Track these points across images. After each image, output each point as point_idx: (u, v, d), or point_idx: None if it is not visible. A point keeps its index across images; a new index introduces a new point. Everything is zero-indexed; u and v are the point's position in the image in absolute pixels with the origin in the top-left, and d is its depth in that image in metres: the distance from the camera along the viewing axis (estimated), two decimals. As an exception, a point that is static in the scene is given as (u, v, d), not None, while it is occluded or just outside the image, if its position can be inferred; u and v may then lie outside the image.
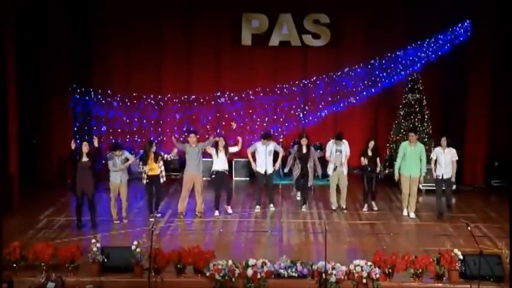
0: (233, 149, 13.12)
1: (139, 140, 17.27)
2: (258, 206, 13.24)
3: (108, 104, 17.23)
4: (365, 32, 17.03)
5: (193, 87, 17.38)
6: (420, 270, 9.07)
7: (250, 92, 17.33)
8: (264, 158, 13.10)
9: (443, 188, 12.78)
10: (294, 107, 17.48)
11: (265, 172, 13.17)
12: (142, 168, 12.38)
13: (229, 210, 12.94)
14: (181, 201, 12.61)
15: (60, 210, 13.16)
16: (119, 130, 17.33)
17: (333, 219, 12.60)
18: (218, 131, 16.10)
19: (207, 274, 9.10)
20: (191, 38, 17.23)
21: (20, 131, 13.56)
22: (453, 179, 12.77)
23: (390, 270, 9.06)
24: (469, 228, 9.39)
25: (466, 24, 16.26)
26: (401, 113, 15.93)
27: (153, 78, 17.33)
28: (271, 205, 13.30)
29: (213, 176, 12.92)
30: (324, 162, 13.49)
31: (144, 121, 17.35)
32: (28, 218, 12.48)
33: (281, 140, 16.42)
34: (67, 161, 13.51)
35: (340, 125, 17.04)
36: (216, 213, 12.83)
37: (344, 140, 13.12)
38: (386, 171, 13.06)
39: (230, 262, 9.14)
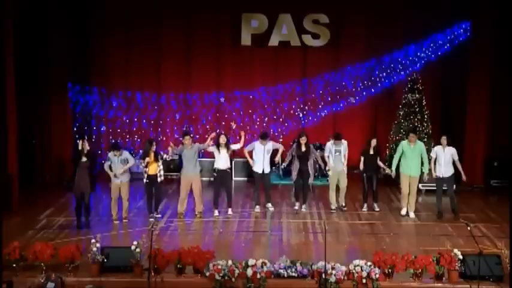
0: (235, 146, 13.12)
1: (139, 140, 17.29)
2: (257, 206, 13.23)
3: (107, 104, 17.25)
4: (365, 32, 17.02)
5: (193, 87, 17.39)
6: (420, 270, 9.07)
7: (250, 92, 17.35)
8: (261, 157, 13.07)
9: (445, 187, 12.78)
10: (293, 107, 17.49)
11: (263, 172, 13.17)
12: (144, 167, 12.35)
13: (230, 212, 12.93)
14: (180, 203, 12.60)
15: (60, 210, 13.15)
16: (119, 130, 17.36)
17: (333, 219, 12.61)
18: (218, 130, 16.08)
19: (207, 274, 9.09)
20: (191, 38, 17.23)
21: (19, 131, 13.55)
22: (464, 177, 12.71)
23: (390, 270, 9.06)
24: (468, 228, 9.40)
25: (466, 24, 16.27)
26: (401, 113, 15.93)
27: (152, 78, 17.33)
28: (269, 204, 13.29)
29: (215, 174, 12.93)
30: (324, 162, 13.51)
31: (144, 121, 17.36)
32: (28, 218, 12.48)
33: (281, 139, 16.44)
34: (70, 161, 13.51)
35: (339, 125, 17.07)
36: (216, 213, 12.83)
37: (343, 141, 13.12)
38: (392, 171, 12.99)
39: (230, 262, 9.14)
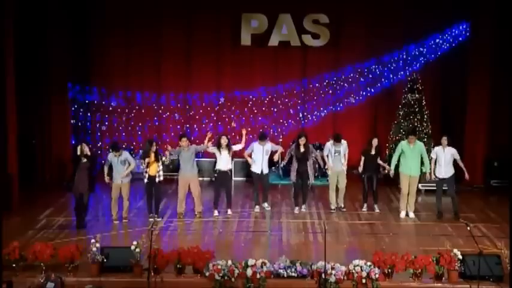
0: (237, 147, 13.10)
1: (139, 140, 17.28)
2: (257, 206, 13.23)
3: (107, 104, 17.25)
4: (365, 32, 17.02)
5: (193, 87, 17.39)
6: (419, 270, 9.06)
7: (250, 92, 17.34)
8: (260, 158, 13.05)
9: (445, 187, 12.78)
10: (293, 107, 17.49)
11: (261, 172, 13.16)
12: (144, 168, 12.33)
13: (229, 212, 12.93)
14: (179, 204, 12.60)
15: (60, 211, 13.15)
16: (119, 130, 17.34)
17: (333, 219, 12.61)
18: (213, 130, 16.07)
19: (207, 274, 9.09)
20: (191, 38, 17.23)
21: (19, 131, 13.55)
22: (467, 176, 12.73)
23: (389, 270, 9.06)
24: (468, 228, 9.39)
25: (465, 24, 16.26)
26: (401, 113, 15.93)
27: (152, 78, 17.34)
28: (265, 204, 13.28)
29: (216, 175, 12.93)
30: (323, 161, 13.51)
31: (144, 121, 17.35)
32: (27, 218, 12.47)
33: (280, 140, 16.43)
34: (71, 161, 13.50)
35: (339, 125, 17.07)
36: (216, 213, 12.83)
37: (343, 141, 13.11)
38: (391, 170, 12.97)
39: (229, 262, 9.13)
